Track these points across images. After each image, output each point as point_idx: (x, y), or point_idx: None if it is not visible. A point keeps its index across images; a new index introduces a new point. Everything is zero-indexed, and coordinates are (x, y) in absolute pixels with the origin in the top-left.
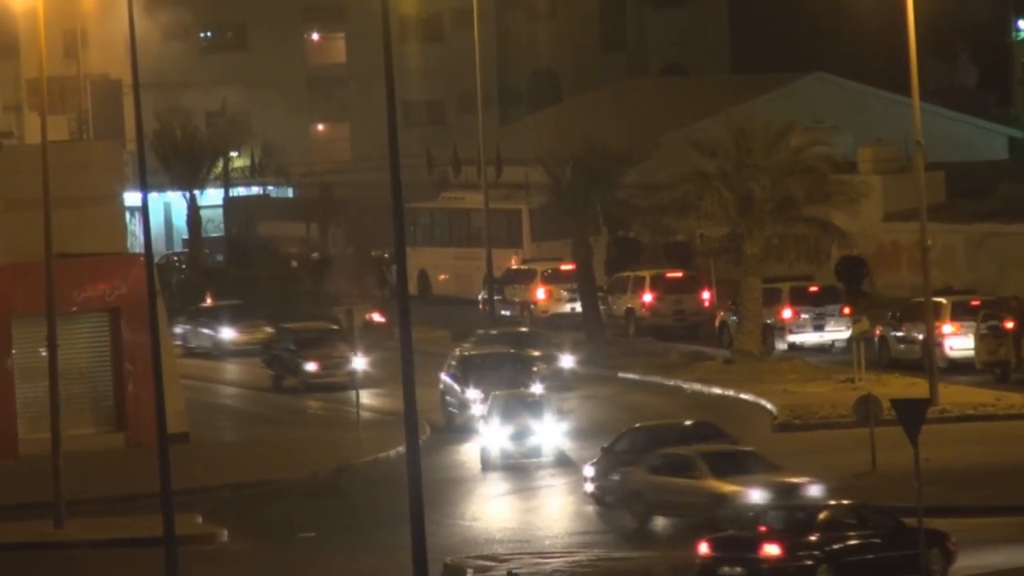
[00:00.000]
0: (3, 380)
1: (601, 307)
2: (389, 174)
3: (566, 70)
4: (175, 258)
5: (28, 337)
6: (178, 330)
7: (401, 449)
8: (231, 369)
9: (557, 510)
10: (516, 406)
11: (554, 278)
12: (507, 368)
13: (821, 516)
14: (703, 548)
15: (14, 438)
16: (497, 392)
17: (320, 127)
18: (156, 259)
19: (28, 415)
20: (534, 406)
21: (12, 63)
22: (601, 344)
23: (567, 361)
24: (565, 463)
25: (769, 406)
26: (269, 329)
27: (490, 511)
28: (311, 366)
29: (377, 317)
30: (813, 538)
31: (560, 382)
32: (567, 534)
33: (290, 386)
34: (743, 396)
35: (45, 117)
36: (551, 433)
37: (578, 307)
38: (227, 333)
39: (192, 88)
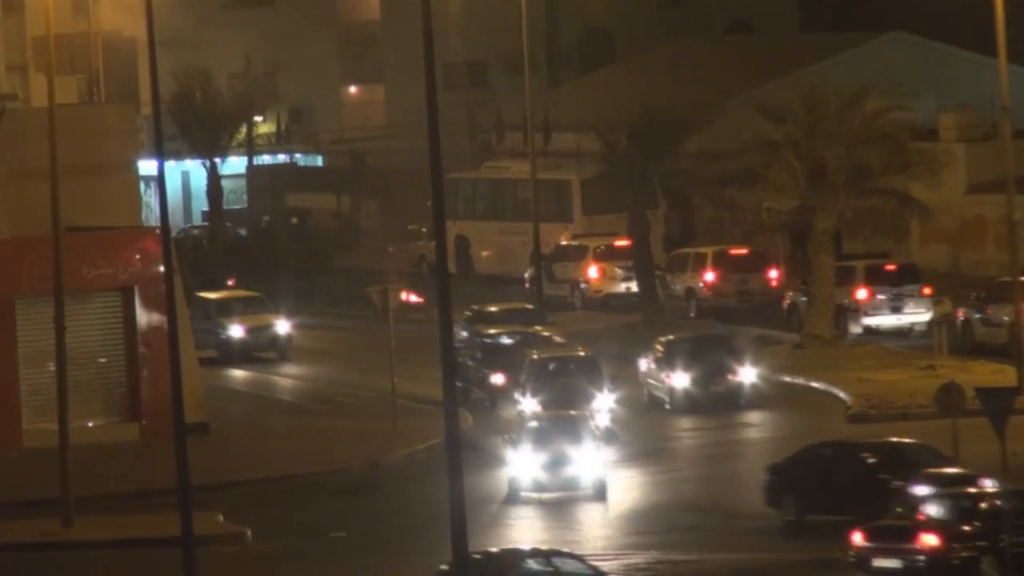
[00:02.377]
0: (6, 365)
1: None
2: (427, 141)
3: (620, 28)
4: (194, 232)
5: (34, 318)
6: None
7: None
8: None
9: (612, 513)
10: (551, 429)
11: (608, 255)
12: (711, 353)
13: (984, 504)
14: (857, 538)
15: (18, 428)
16: (534, 414)
17: (352, 90)
18: (173, 233)
19: (33, 403)
20: (573, 428)
21: (17, 19)
22: (659, 328)
23: (748, 375)
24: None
25: (843, 395)
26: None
27: (536, 510)
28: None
29: (414, 297)
30: (975, 528)
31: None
32: (622, 534)
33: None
34: (814, 384)
35: (52, 78)
36: (591, 461)
37: (634, 287)
38: None
39: (213, 47)
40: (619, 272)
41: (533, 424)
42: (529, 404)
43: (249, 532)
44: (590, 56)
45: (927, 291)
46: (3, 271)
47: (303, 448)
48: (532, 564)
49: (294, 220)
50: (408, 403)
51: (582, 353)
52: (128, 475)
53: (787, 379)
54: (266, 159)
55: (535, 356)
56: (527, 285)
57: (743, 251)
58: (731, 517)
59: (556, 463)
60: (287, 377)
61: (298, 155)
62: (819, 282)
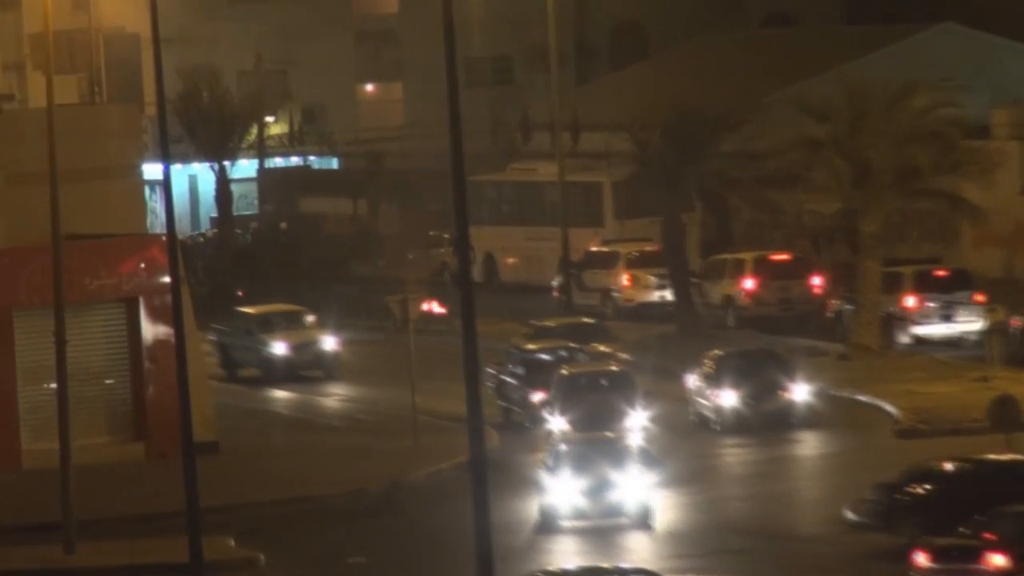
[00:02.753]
0: (4, 381)
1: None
2: (449, 142)
3: (653, 21)
4: (202, 239)
5: (33, 331)
6: None
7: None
8: None
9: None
10: (589, 452)
11: (640, 262)
12: (763, 369)
13: None
14: (920, 558)
15: (16, 449)
16: (567, 435)
17: (369, 88)
18: (180, 240)
19: (32, 422)
20: (613, 450)
21: (13, 15)
22: (696, 338)
23: (801, 392)
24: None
25: (890, 409)
26: None
27: (572, 535)
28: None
29: (436, 307)
30: None
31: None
32: (660, 557)
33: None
34: (860, 397)
35: (51, 77)
36: (635, 485)
37: (668, 296)
38: None
39: (221, 43)
40: (652, 280)
41: (569, 447)
42: (558, 423)
43: (262, 557)
44: (621, 51)
45: (980, 298)
46: (0, 282)
47: (319, 468)
48: None
49: (283, 225)
50: (430, 420)
51: (615, 368)
52: (134, 497)
53: (832, 392)
54: (278, 162)
55: (564, 372)
56: (555, 294)
57: (784, 257)
58: (783, 539)
59: (598, 488)
60: (333, 397)
61: (312, 157)
62: (865, 289)
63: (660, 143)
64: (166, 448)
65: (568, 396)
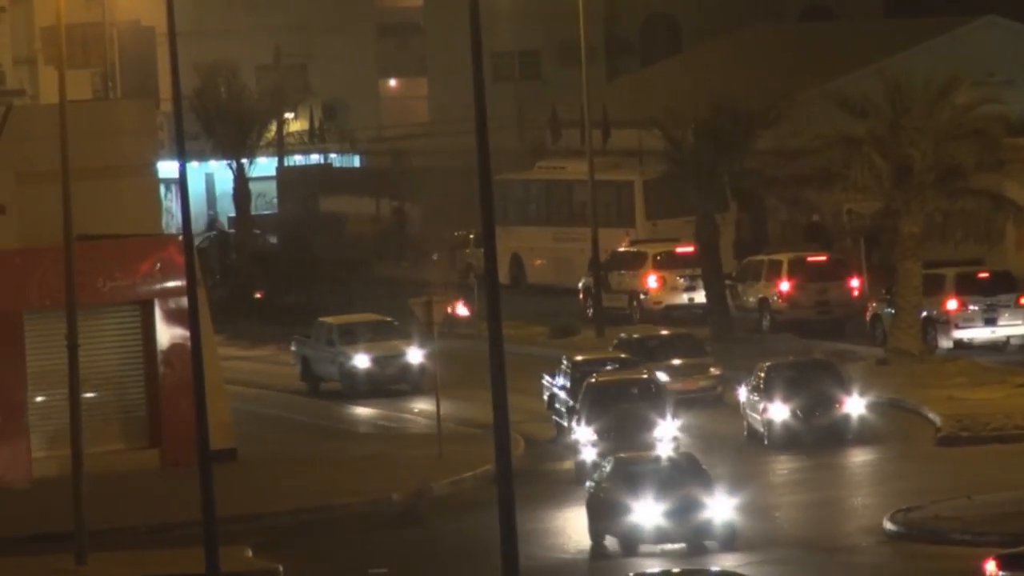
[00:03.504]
0: (14, 386)
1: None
2: (475, 139)
3: (686, 15)
4: (219, 240)
5: (44, 335)
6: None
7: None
8: (285, 373)
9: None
10: (656, 474)
11: (669, 262)
12: (815, 381)
13: None
14: (991, 567)
15: (27, 457)
16: (619, 455)
17: (392, 83)
18: (197, 241)
19: (44, 429)
20: (683, 473)
21: (25, 8)
22: (730, 343)
23: (856, 406)
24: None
25: (931, 415)
26: None
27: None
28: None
29: (461, 309)
30: None
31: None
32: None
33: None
34: (900, 403)
35: (64, 72)
36: (721, 505)
37: (697, 298)
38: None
39: (239, 37)
40: (681, 281)
41: (631, 468)
42: (584, 433)
43: (281, 569)
44: (653, 45)
45: None
46: (11, 284)
47: (339, 477)
48: None
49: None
50: (455, 427)
51: (645, 376)
52: (148, 507)
53: (871, 398)
54: (298, 159)
55: (592, 380)
56: (580, 296)
57: (822, 258)
58: (820, 550)
59: (683, 509)
60: (328, 400)
61: (333, 155)
62: (905, 291)
63: (693, 140)
64: (181, 456)
65: (595, 405)
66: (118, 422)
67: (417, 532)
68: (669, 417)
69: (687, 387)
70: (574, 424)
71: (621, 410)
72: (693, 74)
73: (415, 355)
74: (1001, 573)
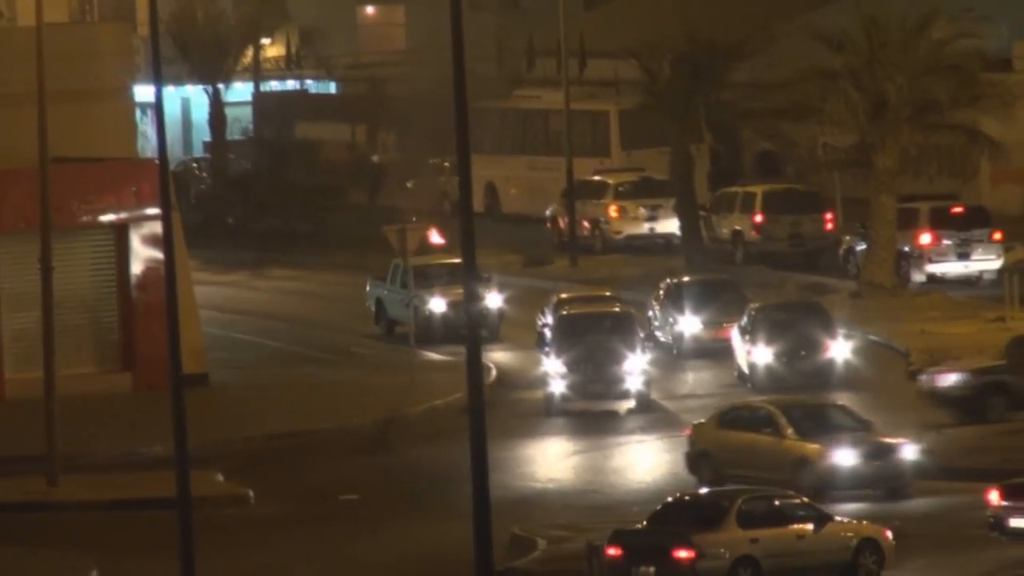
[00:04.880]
0: None
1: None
2: (452, 68)
3: None
4: (194, 164)
5: (18, 257)
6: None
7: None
8: (258, 298)
9: (648, 471)
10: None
11: (631, 192)
12: (802, 323)
13: None
14: (993, 497)
15: (0, 378)
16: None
17: (369, 10)
18: (172, 165)
19: (16, 350)
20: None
21: None
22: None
23: (841, 349)
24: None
25: (903, 349)
26: None
27: (568, 470)
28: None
29: (435, 237)
30: None
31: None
32: (659, 499)
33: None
34: (872, 337)
35: None
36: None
37: (659, 228)
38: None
39: None
40: (642, 211)
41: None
42: (553, 365)
43: (252, 493)
44: None
45: (998, 236)
46: None
47: (311, 402)
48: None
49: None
50: (429, 355)
51: (617, 309)
52: (120, 430)
53: (843, 331)
54: (274, 85)
55: (564, 312)
56: (548, 225)
57: (797, 191)
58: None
59: None
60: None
61: (309, 81)
62: (879, 225)
63: (670, 72)
64: (154, 379)
65: (565, 337)
66: (91, 345)
67: (388, 459)
68: (639, 351)
69: (722, 335)
70: (544, 356)
71: (591, 342)
72: (671, 5)
73: (493, 300)
74: (1004, 502)
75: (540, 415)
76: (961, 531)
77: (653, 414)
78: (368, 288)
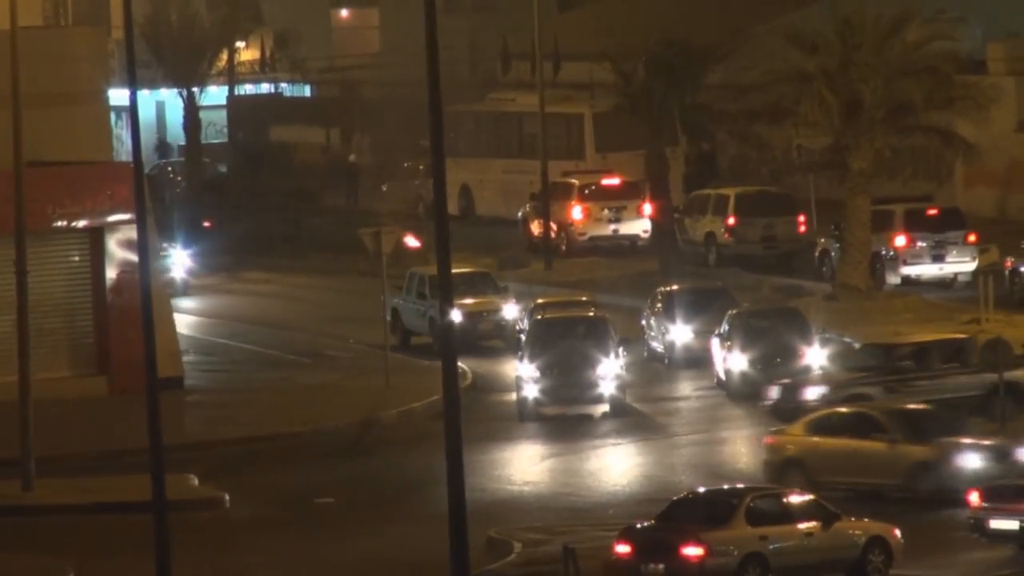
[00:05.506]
0: None
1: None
2: (426, 71)
3: None
4: (169, 168)
5: None
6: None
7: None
8: (233, 303)
9: (623, 474)
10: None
11: (596, 195)
12: (779, 330)
13: None
14: (974, 498)
15: None
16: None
17: (343, 13)
18: (147, 169)
19: None
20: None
21: None
22: (679, 277)
23: (818, 356)
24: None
25: None
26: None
27: (543, 474)
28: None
29: (411, 241)
30: None
31: None
32: (634, 502)
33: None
34: (847, 339)
35: None
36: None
37: (623, 229)
38: None
39: None
40: (606, 213)
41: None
42: (527, 370)
43: (227, 497)
44: None
45: (972, 238)
46: None
47: (287, 406)
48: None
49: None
50: (404, 358)
51: (591, 313)
52: (95, 434)
53: (818, 334)
54: (249, 89)
55: (538, 317)
56: (521, 227)
57: (769, 193)
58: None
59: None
60: (281, 329)
61: (284, 85)
62: (854, 227)
63: (644, 74)
64: (129, 383)
65: (538, 342)
66: (66, 349)
67: (364, 462)
68: (612, 356)
69: None
70: (517, 360)
71: (564, 347)
72: (645, 8)
73: (511, 310)
74: (985, 504)
75: (514, 419)
76: (941, 533)
77: (627, 418)
78: (384, 297)
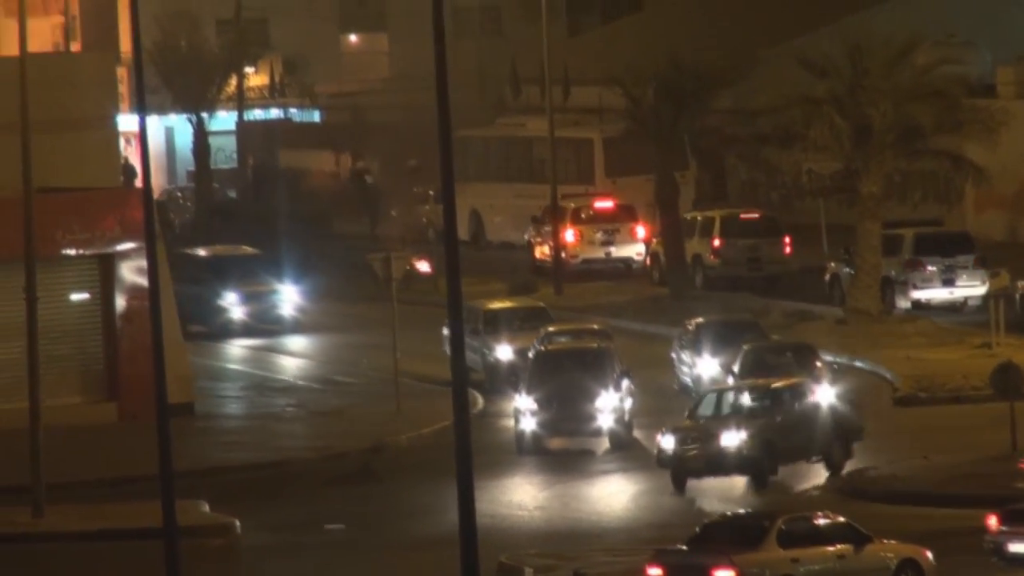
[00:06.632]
0: None
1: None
2: (435, 95)
3: None
4: (178, 193)
5: (2, 287)
6: None
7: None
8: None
9: (631, 499)
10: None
11: (591, 218)
12: (785, 366)
13: None
14: (992, 522)
15: None
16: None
17: (352, 39)
18: (156, 195)
19: (1, 381)
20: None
21: None
22: (690, 300)
23: (826, 395)
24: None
25: (889, 375)
26: None
27: (552, 499)
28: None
29: (423, 266)
30: None
31: None
32: (645, 527)
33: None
34: (858, 364)
35: (24, 23)
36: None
37: (615, 252)
38: None
39: None
40: (598, 236)
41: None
42: (525, 402)
43: (238, 523)
44: (614, 2)
45: (982, 262)
46: None
47: (297, 431)
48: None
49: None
50: (413, 383)
51: (594, 346)
52: (105, 460)
53: (829, 357)
54: (258, 114)
55: (542, 348)
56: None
57: (754, 215)
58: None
59: None
60: (287, 355)
61: (293, 110)
62: (864, 252)
63: (654, 98)
64: (139, 409)
65: (538, 374)
66: (76, 375)
67: (374, 488)
68: (611, 389)
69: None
70: (516, 393)
71: (564, 380)
72: (654, 32)
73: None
74: (1003, 528)
75: (512, 453)
76: (960, 557)
77: (627, 451)
78: (445, 331)
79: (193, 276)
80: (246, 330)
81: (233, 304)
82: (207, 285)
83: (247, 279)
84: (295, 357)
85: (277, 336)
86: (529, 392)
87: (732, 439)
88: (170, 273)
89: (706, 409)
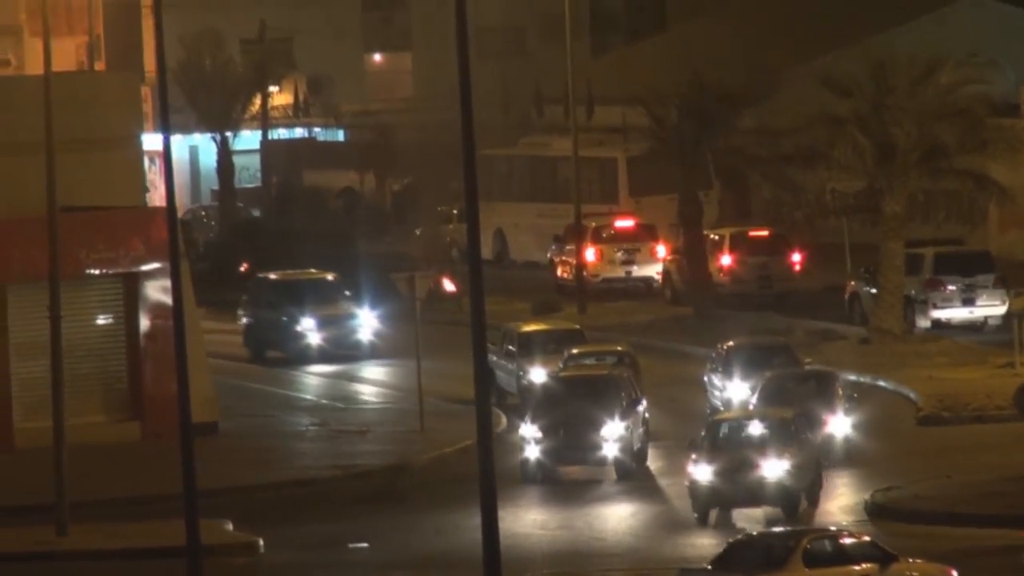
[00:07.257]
0: None
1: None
2: (459, 115)
3: None
4: (203, 212)
5: (27, 306)
6: None
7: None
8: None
9: (656, 518)
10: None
11: (612, 237)
12: (803, 394)
13: None
14: None
15: (9, 427)
16: None
17: (377, 58)
18: (180, 214)
19: (26, 400)
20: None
21: None
22: (715, 321)
23: (841, 425)
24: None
25: (912, 395)
26: None
27: (578, 519)
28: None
29: (448, 285)
30: None
31: None
32: (671, 546)
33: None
34: (881, 383)
35: (48, 43)
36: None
37: (635, 271)
38: None
39: (224, 10)
40: (618, 255)
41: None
42: (529, 431)
43: (261, 542)
44: (638, 21)
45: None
46: None
47: (320, 450)
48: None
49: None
50: (438, 402)
51: (604, 373)
52: (129, 479)
53: (851, 377)
54: (282, 133)
55: (552, 373)
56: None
57: (763, 233)
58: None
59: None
60: (312, 374)
61: (317, 129)
62: (888, 271)
63: (677, 118)
64: (163, 428)
65: (543, 402)
66: (100, 394)
67: (397, 507)
68: (618, 418)
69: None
70: (521, 420)
71: (569, 408)
72: (678, 52)
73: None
74: None
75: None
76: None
77: (632, 482)
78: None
79: (269, 301)
80: (323, 355)
81: (310, 329)
82: (283, 310)
83: (324, 303)
84: (318, 374)
85: (355, 362)
86: (534, 420)
87: (774, 469)
88: (244, 298)
89: (726, 436)
